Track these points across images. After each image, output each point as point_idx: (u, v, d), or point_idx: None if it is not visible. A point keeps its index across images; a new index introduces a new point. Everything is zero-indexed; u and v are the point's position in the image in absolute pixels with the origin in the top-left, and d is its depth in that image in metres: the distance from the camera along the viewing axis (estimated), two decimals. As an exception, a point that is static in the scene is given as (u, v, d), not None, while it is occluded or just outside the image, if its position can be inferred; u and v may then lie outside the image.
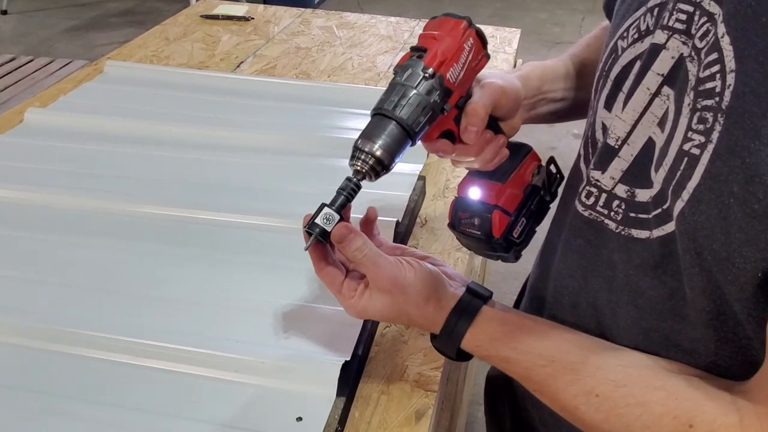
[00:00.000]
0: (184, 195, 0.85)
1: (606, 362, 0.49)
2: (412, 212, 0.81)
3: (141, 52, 1.30)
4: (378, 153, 0.51)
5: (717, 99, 0.41)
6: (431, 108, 0.52)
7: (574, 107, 0.68)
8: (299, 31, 1.42)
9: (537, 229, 0.65)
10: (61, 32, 3.87)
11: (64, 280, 0.71)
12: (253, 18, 1.47)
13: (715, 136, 0.41)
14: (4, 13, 4.07)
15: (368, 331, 0.64)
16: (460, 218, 0.63)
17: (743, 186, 0.39)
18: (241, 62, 1.27)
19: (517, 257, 0.63)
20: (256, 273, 0.72)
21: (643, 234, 0.48)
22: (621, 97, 0.51)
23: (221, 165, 0.92)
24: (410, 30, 1.43)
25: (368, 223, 0.59)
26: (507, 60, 1.31)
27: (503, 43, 1.38)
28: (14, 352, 0.62)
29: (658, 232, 0.47)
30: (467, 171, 0.64)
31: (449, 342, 0.54)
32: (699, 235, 0.42)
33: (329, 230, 0.52)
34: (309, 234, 0.53)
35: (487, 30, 1.43)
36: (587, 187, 0.54)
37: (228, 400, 0.58)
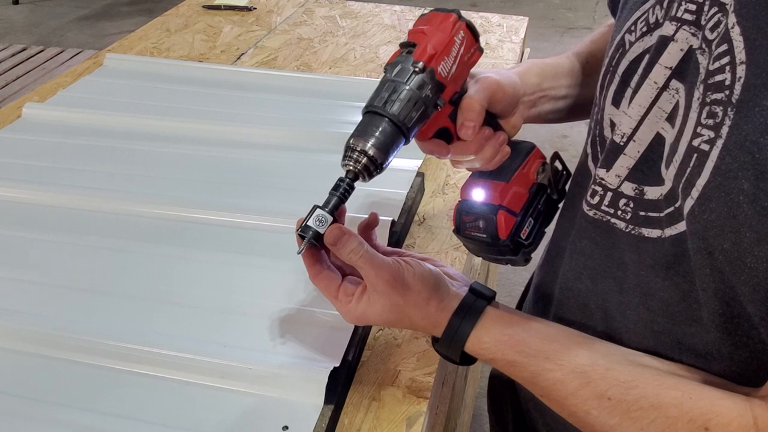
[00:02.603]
0: (178, 193, 0.84)
1: (615, 363, 0.47)
2: (409, 210, 0.80)
3: (141, 44, 1.29)
4: (371, 152, 0.50)
5: (727, 92, 0.40)
6: (423, 103, 0.51)
7: (578, 106, 0.66)
8: (302, 21, 1.40)
9: (546, 230, 0.63)
10: (72, 21, 3.88)
11: (55, 281, 0.70)
12: (255, 8, 1.45)
13: (724, 131, 0.39)
14: (16, 2, 4.09)
15: (360, 335, 0.63)
16: (464, 222, 0.61)
17: (753, 183, 0.38)
18: (242, 54, 1.25)
19: (526, 260, 0.61)
20: (246, 274, 0.71)
21: (654, 233, 0.47)
22: (629, 92, 0.49)
23: (219, 161, 0.91)
24: (415, 19, 1.40)
25: (368, 228, 0.57)
26: (513, 50, 1.28)
27: (510, 32, 1.35)
28: (3, 357, 0.61)
29: (670, 231, 0.45)
30: (470, 174, 0.63)
31: (452, 345, 0.52)
32: (709, 234, 0.40)
33: (322, 232, 0.50)
34: (302, 237, 0.51)
35: (494, 18, 1.40)
36: (592, 186, 0.52)
37: (213, 407, 0.57)
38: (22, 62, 3.16)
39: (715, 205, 0.40)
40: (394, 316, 0.52)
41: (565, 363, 0.48)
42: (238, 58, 1.23)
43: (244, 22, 1.39)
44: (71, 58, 3.19)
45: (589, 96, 0.59)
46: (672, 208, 0.45)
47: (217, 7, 1.45)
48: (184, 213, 0.79)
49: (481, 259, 0.92)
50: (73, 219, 0.80)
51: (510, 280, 2.06)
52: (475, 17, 1.40)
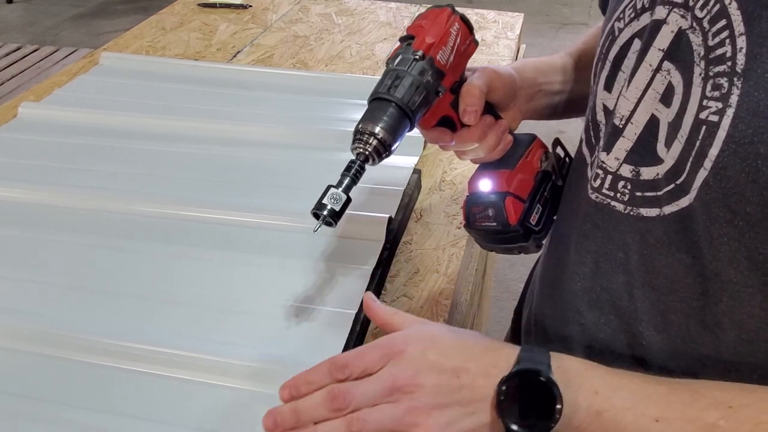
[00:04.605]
0: (177, 192, 0.84)
1: (715, 384, 0.45)
2: (406, 207, 0.80)
3: (137, 43, 1.29)
4: (380, 134, 0.52)
5: (729, 63, 0.41)
6: (425, 88, 0.54)
7: (574, 101, 0.68)
8: (297, 19, 1.40)
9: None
10: (67, 20, 3.87)
11: (55, 281, 0.70)
12: (251, 6, 1.45)
13: (734, 100, 0.41)
14: (10, 1, 4.07)
15: (357, 332, 0.63)
16: (473, 214, 0.62)
17: None
18: (238, 52, 1.25)
19: (538, 246, 0.63)
20: (245, 272, 0.71)
21: (652, 212, 0.48)
22: (621, 76, 0.51)
23: (218, 159, 0.91)
24: (410, 16, 1.40)
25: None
26: (509, 46, 1.28)
27: (505, 28, 1.35)
28: (5, 356, 0.61)
29: (670, 208, 0.46)
30: (475, 169, 0.64)
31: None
32: (731, 201, 0.42)
33: (338, 209, 0.51)
34: (316, 216, 0.52)
35: (489, 15, 1.41)
36: (594, 170, 0.53)
37: (213, 404, 0.57)
38: (16, 61, 3.16)
39: (732, 172, 0.41)
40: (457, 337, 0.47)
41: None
42: (234, 56, 1.23)
43: (239, 19, 1.39)
44: (66, 56, 3.19)
45: (583, 92, 0.61)
46: (673, 185, 0.46)
47: (213, 5, 1.44)
48: (183, 212, 0.79)
49: (478, 253, 0.92)
50: (72, 218, 0.80)
51: (507, 276, 2.07)
52: (470, 14, 1.41)
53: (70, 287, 0.69)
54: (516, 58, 1.30)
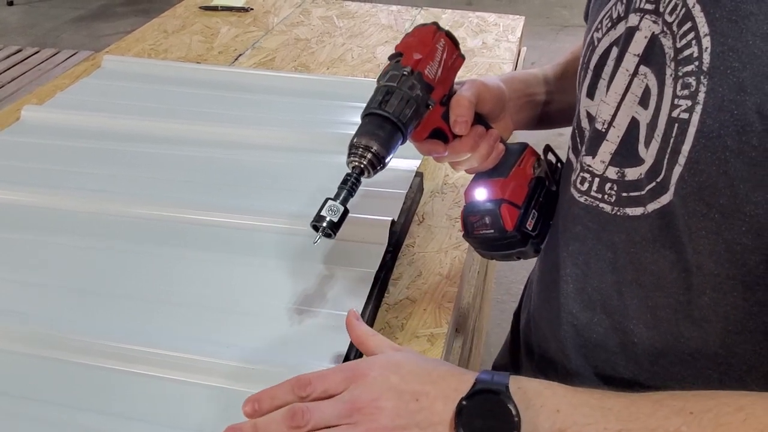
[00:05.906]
0: (178, 194, 0.84)
1: (675, 393, 0.44)
2: (408, 210, 0.80)
3: (139, 46, 1.29)
4: (374, 148, 0.54)
5: (697, 63, 0.43)
6: (415, 101, 0.55)
7: (563, 111, 0.70)
8: (299, 22, 1.40)
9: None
10: (67, 22, 3.87)
11: (55, 283, 0.70)
12: (252, 9, 1.45)
13: (701, 97, 0.43)
14: (10, 4, 4.07)
15: (361, 334, 0.63)
16: (471, 222, 0.63)
17: (736, 138, 0.41)
18: (240, 55, 1.25)
19: (536, 251, 0.64)
20: (247, 275, 0.71)
21: (637, 211, 0.49)
22: (602, 83, 0.53)
23: (219, 162, 0.91)
24: (411, 19, 1.41)
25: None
26: (510, 49, 1.28)
27: (506, 31, 1.35)
28: (4, 358, 0.61)
29: (653, 206, 0.48)
30: (471, 179, 0.65)
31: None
32: (705, 194, 0.44)
33: (336, 221, 0.53)
34: (315, 228, 0.53)
35: (490, 18, 1.41)
36: (581, 174, 0.54)
37: (214, 407, 0.57)
38: (17, 64, 3.15)
39: (704, 166, 0.43)
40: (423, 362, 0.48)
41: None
42: (236, 59, 1.24)
43: (241, 23, 1.39)
44: (67, 59, 3.19)
45: (572, 102, 0.63)
46: (654, 183, 0.47)
47: (214, 8, 1.45)
48: (184, 214, 0.80)
49: (480, 258, 0.92)
50: (72, 221, 0.80)
51: (507, 278, 2.07)
52: (471, 17, 1.41)
53: (69, 289, 0.69)
54: (517, 61, 1.31)
